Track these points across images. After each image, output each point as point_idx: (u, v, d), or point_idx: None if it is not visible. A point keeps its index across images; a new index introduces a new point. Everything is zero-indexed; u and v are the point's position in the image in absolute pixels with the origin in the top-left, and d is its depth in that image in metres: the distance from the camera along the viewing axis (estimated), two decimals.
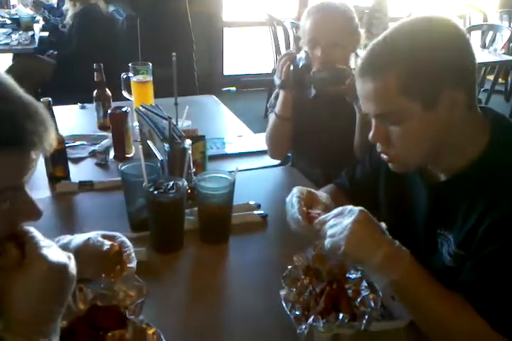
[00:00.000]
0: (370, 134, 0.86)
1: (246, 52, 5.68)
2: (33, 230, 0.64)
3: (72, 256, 0.64)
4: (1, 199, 0.56)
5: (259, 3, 5.18)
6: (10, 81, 0.56)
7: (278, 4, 5.23)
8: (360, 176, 1.16)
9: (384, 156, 0.89)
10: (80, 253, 0.78)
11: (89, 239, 0.80)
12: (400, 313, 0.85)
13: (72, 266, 0.63)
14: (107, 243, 0.81)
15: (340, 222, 0.80)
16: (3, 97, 0.54)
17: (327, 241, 0.81)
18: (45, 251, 0.61)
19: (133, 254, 0.83)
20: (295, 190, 0.96)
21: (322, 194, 0.99)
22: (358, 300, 0.82)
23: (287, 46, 3.59)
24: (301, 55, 1.34)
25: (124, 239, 0.84)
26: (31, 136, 0.55)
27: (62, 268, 0.61)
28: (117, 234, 0.85)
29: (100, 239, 0.81)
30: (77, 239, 0.81)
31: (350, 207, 0.82)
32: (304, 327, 0.78)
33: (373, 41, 0.83)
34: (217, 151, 1.57)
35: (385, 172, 1.05)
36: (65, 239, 0.82)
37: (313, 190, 0.98)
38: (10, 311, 0.58)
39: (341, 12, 1.37)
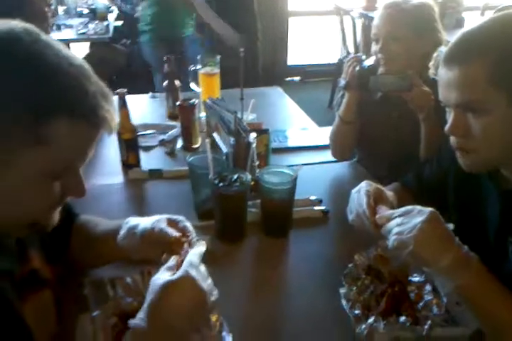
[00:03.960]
0: (447, 126, 0.83)
1: (312, 42, 5.60)
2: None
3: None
4: (57, 177, 0.61)
5: None
6: (88, 66, 0.63)
7: None
8: (427, 176, 1.12)
9: (459, 151, 0.85)
10: (146, 236, 0.83)
11: (155, 226, 0.83)
12: (466, 320, 0.82)
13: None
14: (172, 233, 0.82)
15: (408, 220, 0.78)
16: (88, 78, 0.60)
17: (393, 239, 0.78)
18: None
19: (195, 239, 0.82)
20: (364, 184, 0.95)
21: (389, 193, 0.97)
22: (421, 304, 0.81)
23: (354, 36, 3.51)
24: (370, 60, 1.32)
25: (187, 223, 0.85)
26: (105, 114, 0.61)
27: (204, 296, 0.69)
28: (181, 218, 0.86)
29: (165, 227, 0.83)
30: (145, 222, 0.85)
31: (419, 207, 0.80)
32: (363, 327, 0.78)
33: (462, 30, 0.81)
34: (279, 144, 1.58)
35: (454, 174, 1.01)
36: (133, 221, 0.87)
37: (381, 187, 0.96)
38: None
39: (409, 10, 1.31)
